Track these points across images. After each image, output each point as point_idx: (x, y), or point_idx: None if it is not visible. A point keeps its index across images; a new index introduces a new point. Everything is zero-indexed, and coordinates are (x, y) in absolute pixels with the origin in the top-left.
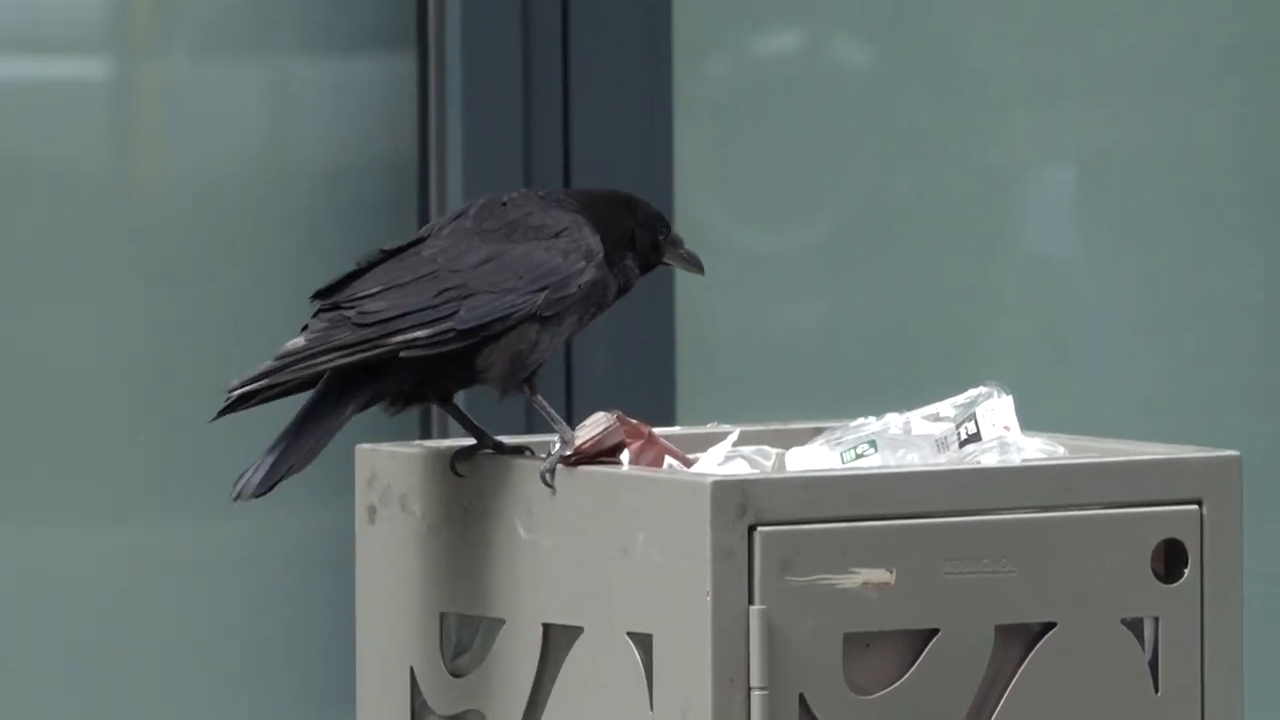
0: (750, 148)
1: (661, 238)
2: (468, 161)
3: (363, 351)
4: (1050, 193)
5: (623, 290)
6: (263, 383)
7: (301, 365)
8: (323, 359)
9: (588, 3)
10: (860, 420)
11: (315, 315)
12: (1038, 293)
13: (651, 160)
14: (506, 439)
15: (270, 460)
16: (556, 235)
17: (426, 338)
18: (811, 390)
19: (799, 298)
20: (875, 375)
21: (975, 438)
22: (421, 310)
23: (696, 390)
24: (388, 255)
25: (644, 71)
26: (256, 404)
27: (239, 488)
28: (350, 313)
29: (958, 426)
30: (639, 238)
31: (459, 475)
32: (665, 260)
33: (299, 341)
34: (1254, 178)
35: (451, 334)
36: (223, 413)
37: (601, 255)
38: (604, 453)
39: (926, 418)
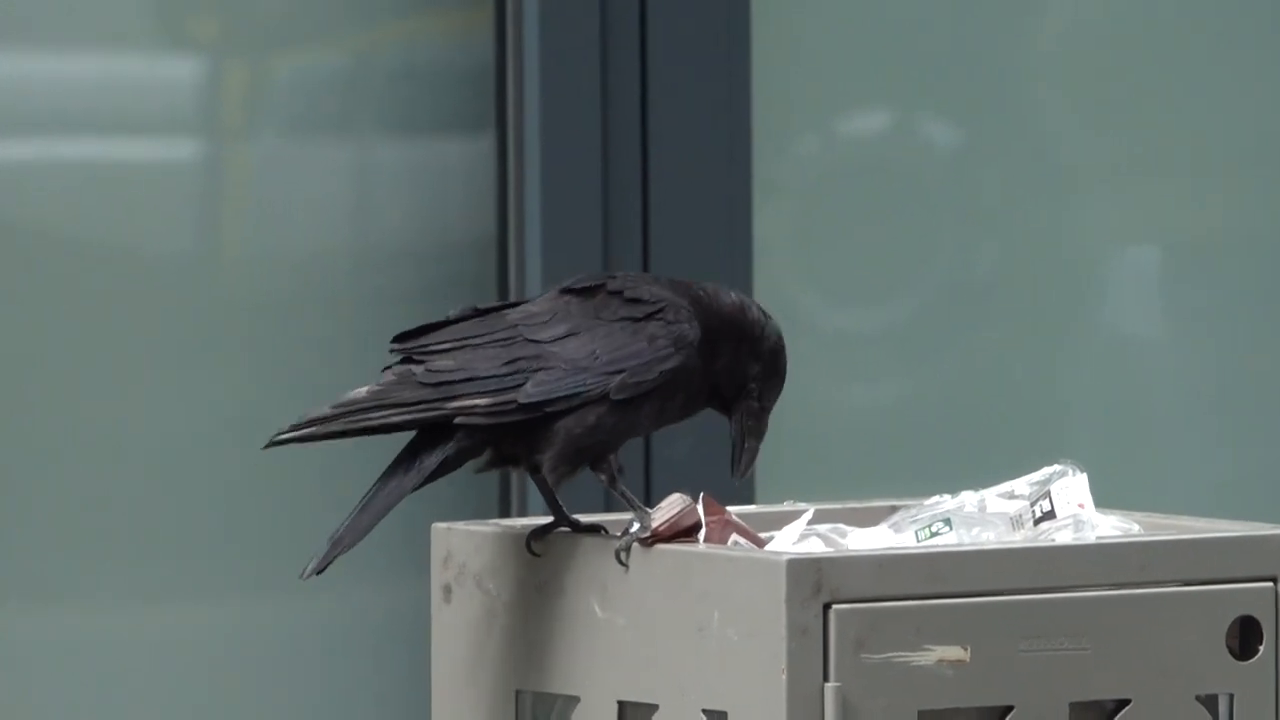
0: (831, 227)
1: (753, 386)
2: (547, 242)
3: (419, 413)
4: (1130, 274)
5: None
6: (312, 430)
7: (356, 418)
8: (377, 415)
9: (667, 83)
10: (935, 498)
11: (389, 366)
12: (1114, 372)
13: (730, 241)
14: (583, 518)
15: (330, 539)
16: (649, 317)
17: (485, 407)
18: (886, 468)
19: (875, 376)
20: (950, 453)
21: (1050, 515)
22: (488, 378)
23: (774, 469)
24: (479, 313)
25: (724, 152)
26: (312, 443)
27: (306, 567)
28: (419, 369)
29: (1032, 504)
30: (735, 368)
31: (534, 554)
32: (730, 414)
33: (361, 392)
34: None
35: (512, 406)
36: (270, 445)
37: (695, 342)
38: (680, 534)
39: (1001, 495)
